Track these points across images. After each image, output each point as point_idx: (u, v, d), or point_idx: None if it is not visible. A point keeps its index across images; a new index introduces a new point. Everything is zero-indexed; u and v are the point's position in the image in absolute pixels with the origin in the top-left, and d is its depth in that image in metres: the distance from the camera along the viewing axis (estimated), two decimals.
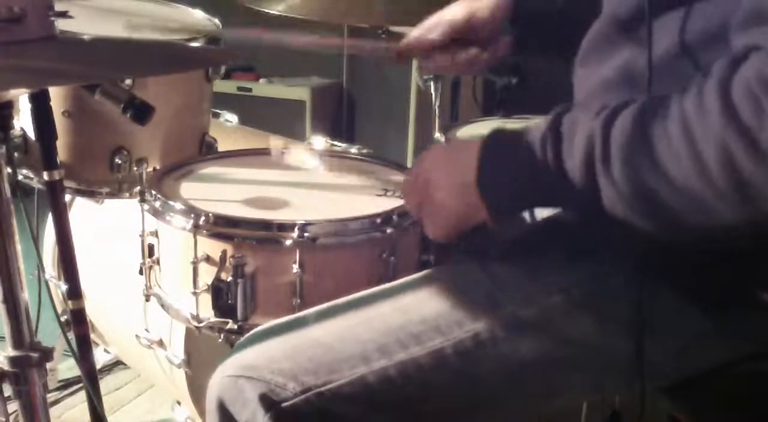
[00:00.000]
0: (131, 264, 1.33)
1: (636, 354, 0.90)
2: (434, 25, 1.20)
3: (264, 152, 1.37)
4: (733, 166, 0.70)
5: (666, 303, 0.91)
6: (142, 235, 1.25)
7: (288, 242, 1.11)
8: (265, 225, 1.13)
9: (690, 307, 0.91)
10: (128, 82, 1.29)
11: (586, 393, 1.14)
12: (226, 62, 1.68)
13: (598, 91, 0.94)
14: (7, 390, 1.02)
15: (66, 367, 1.99)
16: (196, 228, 1.13)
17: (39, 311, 1.40)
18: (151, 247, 1.26)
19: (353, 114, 3.39)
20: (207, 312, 1.16)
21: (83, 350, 1.18)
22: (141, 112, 1.07)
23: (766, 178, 0.70)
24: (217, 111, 1.98)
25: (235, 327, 1.13)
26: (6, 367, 1.00)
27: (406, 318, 0.93)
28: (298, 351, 0.92)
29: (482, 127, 1.68)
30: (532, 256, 0.98)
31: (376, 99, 3.22)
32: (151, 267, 1.26)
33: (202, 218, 1.13)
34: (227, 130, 1.96)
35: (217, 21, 1.55)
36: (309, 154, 1.35)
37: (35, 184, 1.41)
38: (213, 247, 1.13)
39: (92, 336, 1.64)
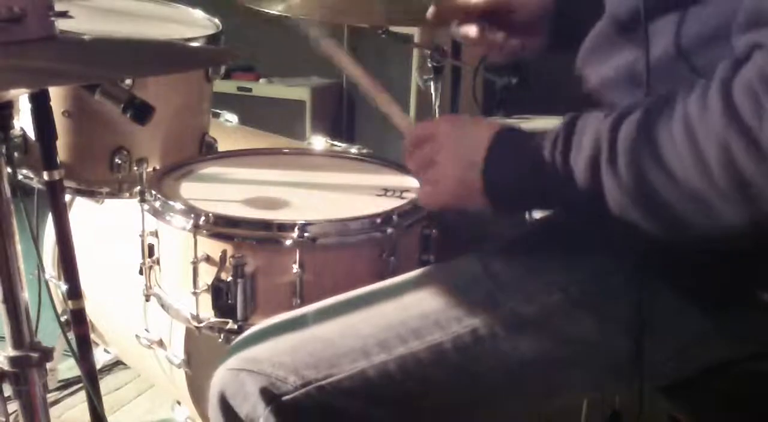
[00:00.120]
0: (131, 264, 1.33)
1: (636, 353, 0.90)
2: None
3: (264, 152, 1.37)
4: (734, 166, 0.70)
5: (666, 302, 0.91)
6: (142, 235, 1.25)
7: (288, 242, 1.11)
8: (265, 225, 1.13)
9: (690, 307, 0.92)
10: (128, 82, 1.29)
11: (585, 392, 1.14)
12: (226, 62, 1.68)
13: (599, 90, 0.94)
14: (7, 390, 1.02)
15: (66, 367, 1.99)
16: (196, 229, 1.13)
17: (39, 311, 1.40)
18: (151, 247, 1.26)
19: (353, 114, 3.39)
20: (207, 312, 1.16)
21: (83, 350, 1.18)
22: (141, 112, 1.07)
23: (767, 178, 0.70)
24: (217, 111, 1.98)
25: (235, 327, 1.13)
26: (6, 367, 1.00)
27: (406, 314, 0.94)
28: (299, 345, 0.92)
29: None
30: (532, 255, 0.98)
31: None
32: (151, 267, 1.26)
33: (202, 218, 1.13)
34: (227, 130, 1.96)
35: (217, 21, 1.55)
36: None
37: (35, 184, 1.41)
38: (213, 247, 1.13)
39: (92, 336, 1.64)
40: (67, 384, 2.01)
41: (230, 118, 2.02)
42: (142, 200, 1.23)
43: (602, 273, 0.93)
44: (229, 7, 1.50)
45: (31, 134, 1.34)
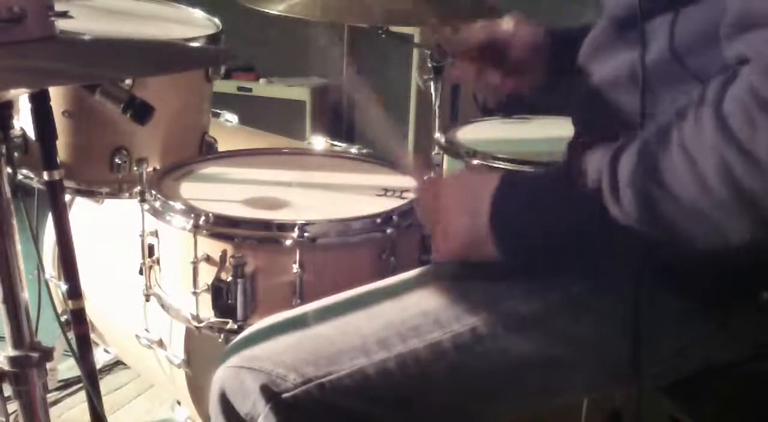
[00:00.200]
0: (131, 264, 1.33)
1: (635, 353, 0.90)
2: (478, 29, 1.20)
3: (264, 152, 1.37)
4: (732, 178, 0.71)
5: (666, 302, 0.91)
6: (142, 235, 1.25)
7: (288, 242, 1.11)
8: (265, 225, 1.13)
9: (690, 307, 0.92)
10: (128, 82, 1.29)
11: (585, 391, 1.14)
12: (226, 62, 1.68)
13: (599, 91, 0.95)
14: (7, 390, 1.02)
15: (66, 367, 1.99)
16: (196, 229, 1.13)
17: (39, 311, 1.40)
18: (151, 247, 1.26)
19: (353, 114, 3.39)
20: (207, 312, 1.16)
21: (83, 350, 1.17)
22: (141, 112, 1.06)
23: (763, 186, 0.70)
24: (217, 111, 1.97)
25: (235, 327, 1.14)
26: (6, 367, 1.00)
27: (406, 313, 0.94)
28: (299, 343, 0.93)
29: (482, 127, 1.68)
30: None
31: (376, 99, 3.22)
32: (151, 267, 1.26)
33: (202, 218, 1.13)
34: (227, 130, 1.96)
35: (217, 21, 1.55)
36: None
37: (35, 184, 1.41)
38: (213, 247, 1.13)
39: (92, 336, 1.64)
40: (67, 384, 2.01)
41: (230, 118, 2.02)
42: (142, 200, 1.23)
43: (602, 273, 0.93)
44: (229, 7, 1.50)
45: (31, 134, 1.34)
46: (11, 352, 1.01)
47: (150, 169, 1.40)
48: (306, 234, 1.11)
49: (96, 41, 1.15)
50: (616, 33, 0.92)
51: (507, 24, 1.18)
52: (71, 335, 1.20)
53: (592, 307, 0.93)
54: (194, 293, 1.15)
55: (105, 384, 2.03)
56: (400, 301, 0.97)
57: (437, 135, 1.59)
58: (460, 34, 1.22)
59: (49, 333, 1.54)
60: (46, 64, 0.92)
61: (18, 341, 1.01)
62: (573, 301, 0.93)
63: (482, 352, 0.92)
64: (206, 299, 1.15)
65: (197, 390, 1.52)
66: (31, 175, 1.40)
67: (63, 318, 1.38)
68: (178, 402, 1.80)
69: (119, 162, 1.40)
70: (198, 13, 1.59)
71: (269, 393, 0.89)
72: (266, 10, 1.42)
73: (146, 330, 1.59)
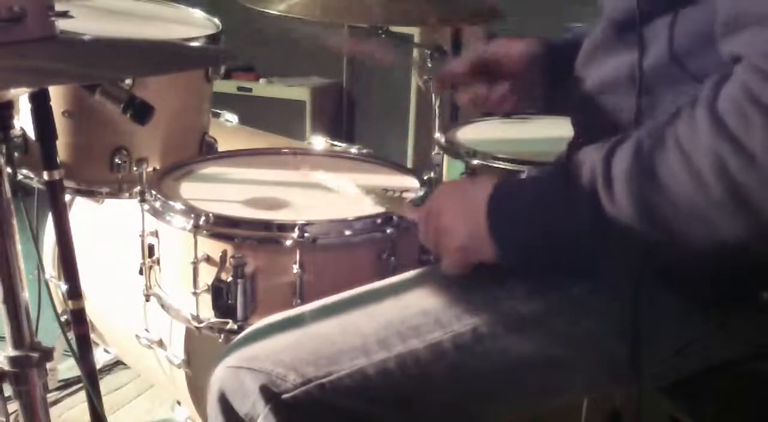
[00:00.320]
0: (131, 264, 1.33)
1: (634, 353, 0.90)
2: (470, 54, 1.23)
3: (264, 152, 1.37)
4: (727, 175, 0.71)
5: (665, 303, 0.91)
6: (142, 235, 1.25)
7: (288, 242, 1.11)
8: (265, 225, 1.13)
9: (690, 307, 0.92)
10: (128, 82, 1.29)
11: (585, 391, 1.14)
12: (226, 62, 1.68)
13: (598, 92, 0.95)
14: (7, 390, 1.02)
15: (66, 367, 1.99)
16: (196, 229, 1.13)
17: (39, 311, 1.40)
18: (151, 247, 1.26)
19: (353, 114, 3.39)
20: (207, 312, 1.16)
21: (83, 350, 1.17)
22: (141, 112, 1.07)
23: (758, 183, 0.70)
24: (217, 111, 1.98)
25: (235, 327, 1.13)
26: (6, 367, 1.00)
27: (406, 312, 0.94)
28: (299, 343, 0.93)
29: (482, 127, 1.68)
30: None
31: (376, 99, 3.22)
32: (151, 267, 1.26)
33: (202, 218, 1.13)
34: (227, 130, 1.96)
35: (217, 21, 1.55)
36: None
37: (35, 184, 1.41)
38: (213, 247, 1.13)
39: (92, 336, 1.64)
40: (67, 384, 2.01)
41: (230, 118, 2.02)
42: (142, 200, 1.23)
43: (602, 274, 0.93)
44: (229, 7, 1.50)
45: (31, 134, 1.34)
46: (11, 352, 1.01)
47: (150, 169, 1.40)
48: (306, 234, 1.11)
49: (96, 41, 1.15)
50: (615, 35, 0.92)
51: (495, 46, 1.21)
52: (71, 335, 1.20)
53: (592, 307, 0.93)
54: (194, 293, 1.15)
55: (105, 384, 2.03)
56: (401, 301, 0.97)
57: (437, 135, 1.59)
58: (450, 66, 1.26)
59: (49, 333, 1.54)
60: (46, 64, 0.92)
61: (18, 341, 1.01)
62: (573, 301, 0.93)
63: (482, 352, 0.92)
64: (206, 299, 1.15)
65: (197, 390, 1.52)
66: (31, 175, 1.40)
67: (63, 318, 1.38)
68: (178, 402, 1.80)
69: (119, 162, 1.40)
70: (198, 13, 1.59)
71: (269, 393, 0.89)
72: (266, 10, 1.42)
73: (146, 330, 1.59)
